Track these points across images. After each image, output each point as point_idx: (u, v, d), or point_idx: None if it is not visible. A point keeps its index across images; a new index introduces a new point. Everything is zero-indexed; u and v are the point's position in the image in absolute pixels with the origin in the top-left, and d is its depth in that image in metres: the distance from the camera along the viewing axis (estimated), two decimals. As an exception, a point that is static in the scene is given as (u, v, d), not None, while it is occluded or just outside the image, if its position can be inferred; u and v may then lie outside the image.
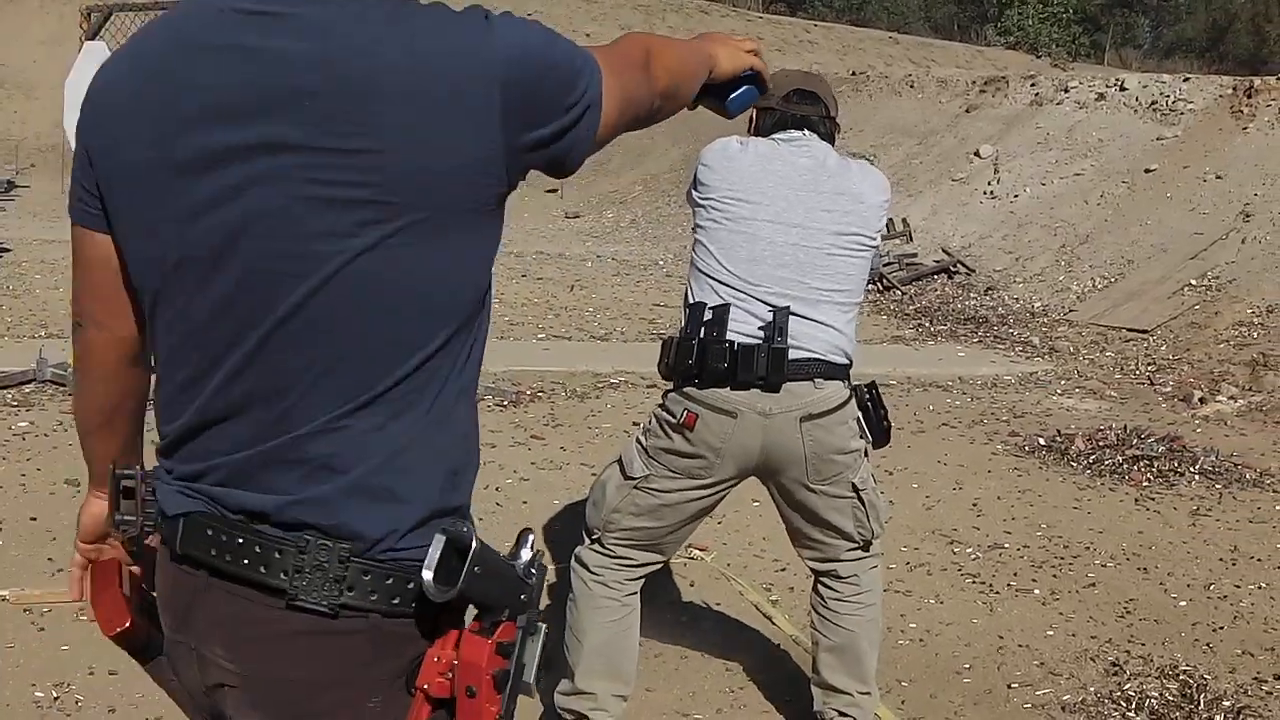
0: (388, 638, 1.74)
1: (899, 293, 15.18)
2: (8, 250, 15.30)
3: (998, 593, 5.87)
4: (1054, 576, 6.10)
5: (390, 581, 1.71)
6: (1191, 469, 8.01)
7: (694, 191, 4.06)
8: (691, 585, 5.68)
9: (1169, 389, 10.76)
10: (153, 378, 1.90)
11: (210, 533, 1.74)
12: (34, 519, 6.09)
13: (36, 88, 29.79)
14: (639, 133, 25.00)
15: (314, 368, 1.70)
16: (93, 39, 8.62)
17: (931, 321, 13.86)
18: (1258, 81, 16.86)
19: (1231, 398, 10.34)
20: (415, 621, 1.74)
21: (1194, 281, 13.38)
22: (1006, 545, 6.51)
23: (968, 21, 59.35)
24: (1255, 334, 11.88)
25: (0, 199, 22.05)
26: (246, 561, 1.71)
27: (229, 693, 1.78)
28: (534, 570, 1.79)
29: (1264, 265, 13.17)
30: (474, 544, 1.68)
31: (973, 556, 6.33)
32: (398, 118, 1.63)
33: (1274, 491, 7.76)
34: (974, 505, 7.16)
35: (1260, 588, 6.11)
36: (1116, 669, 5.07)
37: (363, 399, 1.70)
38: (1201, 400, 10.27)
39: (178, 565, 1.81)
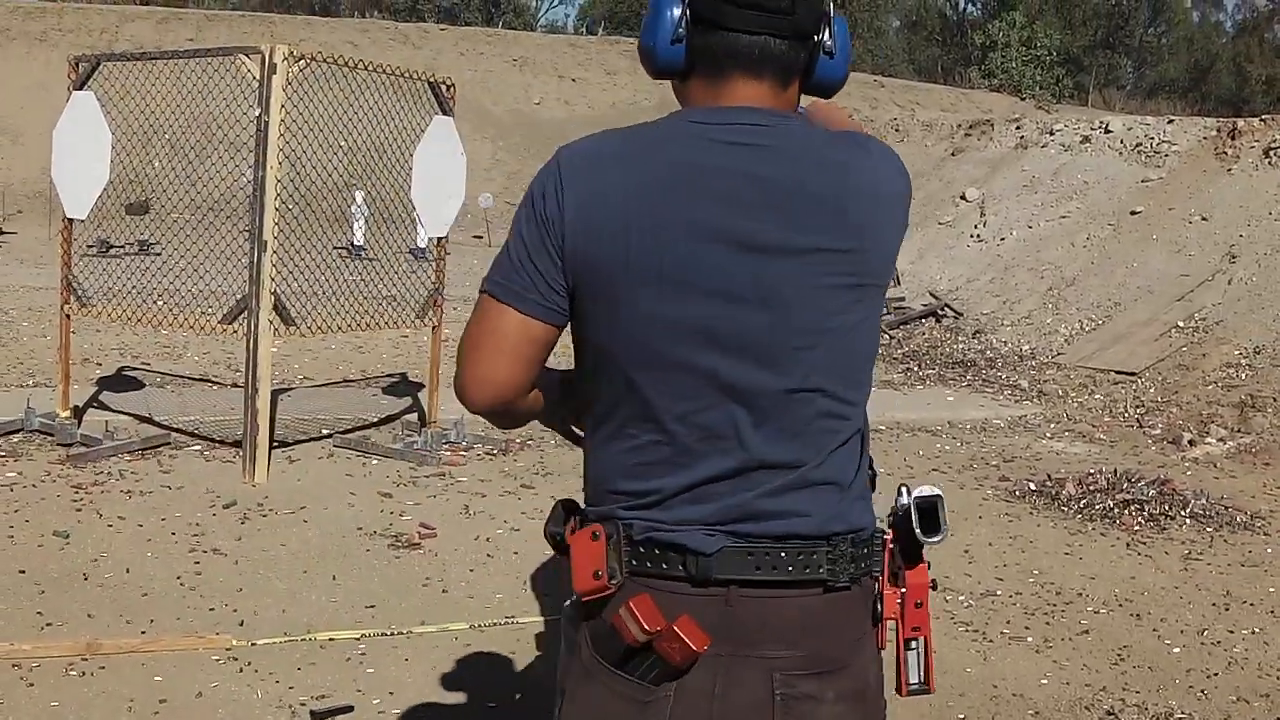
0: (867, 589, 2.25)
1: (887, 337, 15.20)
2: (-5, 298, 15.28)
3: (991, 641, 5.85)
4: (1047, 624, 6.08)
5: (866, 550, 2.22)
6: (1182, 512, 8.01)
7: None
8: (684, 635, 5.64)
9: (1158, 431, 10.78)
10: (630, 443, 2.19)
11: (750, 556, 2.13)
12: (22, 571, 6.04)
13: (23, 134, 29.84)
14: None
15: (816, 416, 2.15)
16: (80, 89, 8.62)
17: (920, 365, 13.88)
18: (1241, 123, 16.95)
19: (1220, 440, 10.36)
20: (871, 573, 2.25)
21: (1181, 323, 13.41)
22: (999, 592, 6.50)
23: (951, 64, 59.77)
24: (1243, 375, 11.90)
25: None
26: (791, 569, 2.14)
27: (781, 675, 2.14)
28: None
29: (1250, 306, 13.21)
30: (939, 496, 2.30)
31: (965, 604, 6.31)
32: (868, 221, 2.14)
33: (1265, 534, 7.76)
34: (965, 551, 7.15)
35: (1253, 633, 6.09)
36: (1112, 717, 5.04)
37: (847, 432, 2.20)
38: (1191, 442, 10.28)
39: (698, 591, 2.13)
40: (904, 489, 2.34)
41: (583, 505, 2.29)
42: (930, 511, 2.29)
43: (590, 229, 2.08)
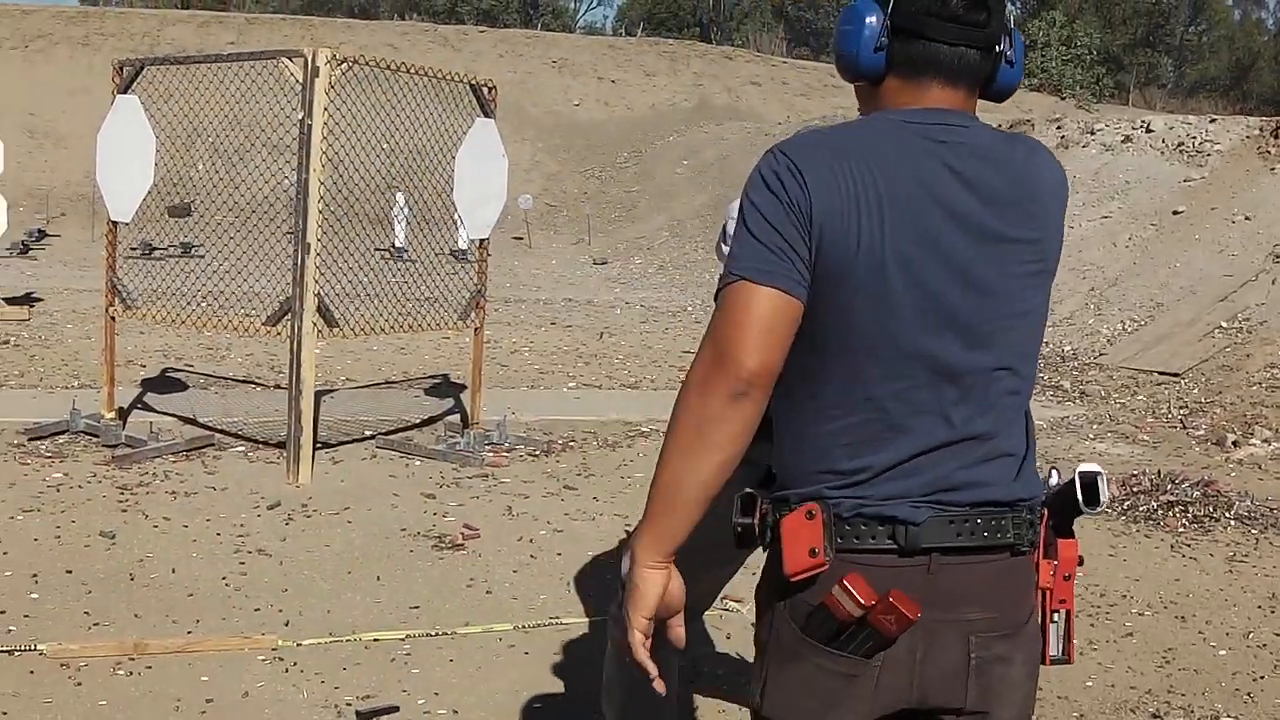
0: (1032, 557, 2.41)
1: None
2: (39, 300, 15.39)
3: (1035, 642, 5.81)
4: (1091, 625, 6.05)
5: (1031, 516, 2.38)
6: (1227, 514, 7.96)
7: (724, 245, 4.06)
8: (728, 638, 5.65)
9: (1202, 432, 10.71)
10: (838, 422, 2.30)
11: (951, 524, 2.28)
12: (69, 571, 6.09)
13: (66, 138, 30.03)
14: (664, 179, 24.95)
15: (1005, 392, 2.35)
16: (124, 93, 8.68)
17: (961, 366, 13.82)
18: (1284, 122, 16.82)
19: (1265, 441, 10.29)
20: (1035, 542, 2.41)
21: (1224, 324, 13.33)
22: (1042, 594, 6.45)
23: (991, 63, 59.36)
24: (1287, 376, 11.82)
25: (32, 248, 22.17)
26: (986, 534, 2.30)
27: (977, 638, 2.31)
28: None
29: (1294, 307, 13.12)
30: (1101, 472, 2.44)
31: (1009, 605, 6.28)
32: (1047, 215, 2.36)
33: (1311, 537, 7.70)
34: (1009, 553, 7.10)
35: (1300, 636, 6.05)
36: (1157, 720, 5.03)
37: (1023, 407, 2.40)
38: (1235, 444, 10.21)
39: (904, 561, 2.27)
40: (1055, 470, 2.55)
41: (766, 492, 2.37)
42: (1091, 485, 2.43)
43: (830, 212, 2.21)
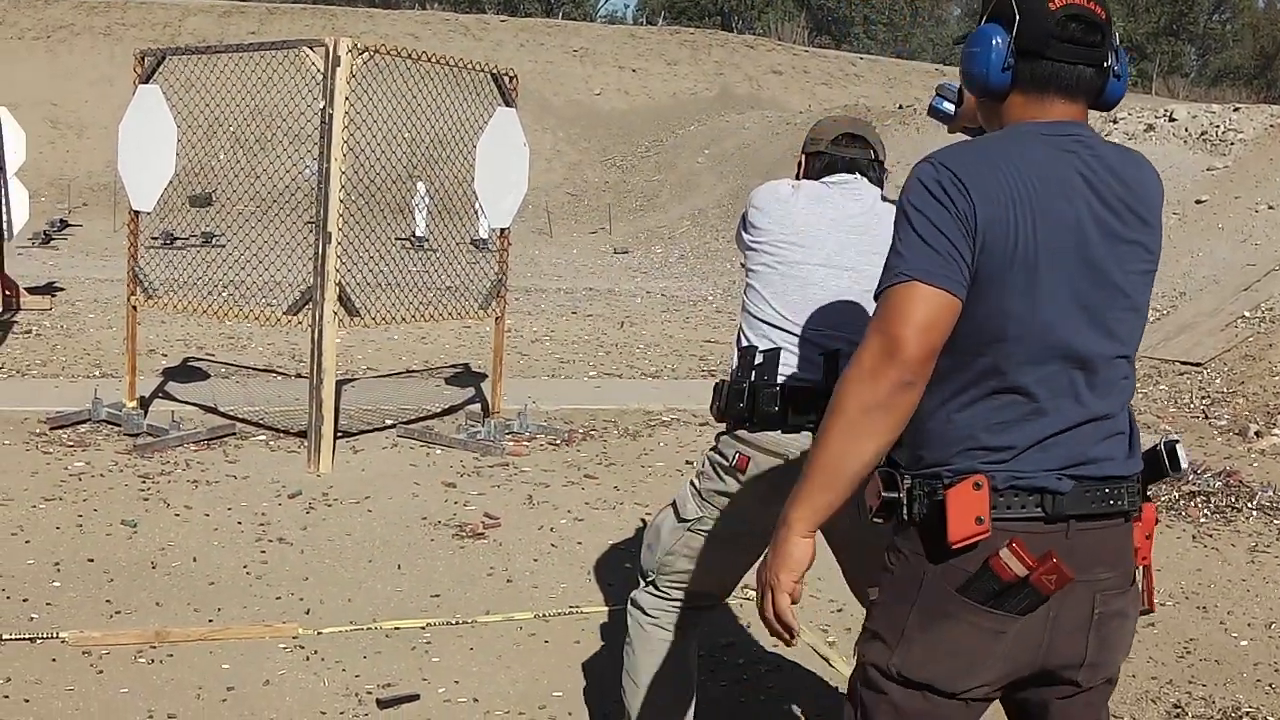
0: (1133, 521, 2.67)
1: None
2: (61, 289, 15.43)
3: (1056, 632, 5.80)
4: (1112, 616, 6.02)
5: (1139, 485, 2.64)
6: (1249, 504, 7.94)
7: (745, 234, 4.05)
8: (747, 626, 5.65)
9: (1224, 422, 10.67)
10: (992, 404, 2.54)
11: (1087, 493, 2.54)
12: (91, 560, 6.11)
13: (88, 128, 30.14)
14: (686, 169, 24.89)
15: (1121, 377, 2.61)
16: (146, 82, 8.69)
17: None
18: (1309, 111, 16.72)
19: (1288, 431, 10.24)
20: None
21: (1247, 313, 13.27)
22: (1063, 584, 6.43)
23: (1013, 52, 59.18)
24: (1311, 366, 11.76)
25: (54, 237, 22.24)
26: (1113, 503, 2.56)
27: (1101, 596, 2.57)
28: None
29: (1318, 297, 13.04)
30: (1179, 439, 2.72)
31: (1029, 595, 6.26)
32: (1154, 219, 2.62)
33: (1333, 527, 7.66)
34: (1029, 543, 7.08)
35: (1322, 626, 6.03)
36: (1179, 711, 5.00)
37: (1133, 390, 2.66)
38: (1258, 434, 10.17)
39: (1049, 528, 2.51)
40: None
41: (911, 469, 2.60)
42: (1173, 452, 2.69)
43: (993, 219, 2.45)
